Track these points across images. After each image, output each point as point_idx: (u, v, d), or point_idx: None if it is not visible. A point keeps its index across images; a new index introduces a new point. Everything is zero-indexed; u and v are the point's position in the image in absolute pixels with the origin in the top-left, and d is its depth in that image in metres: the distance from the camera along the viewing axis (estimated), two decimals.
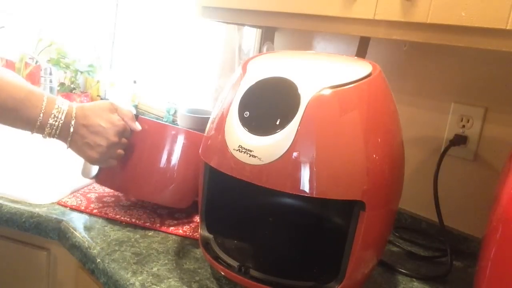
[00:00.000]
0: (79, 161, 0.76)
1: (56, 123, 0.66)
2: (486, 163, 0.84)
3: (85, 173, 0.78)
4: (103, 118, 0.69)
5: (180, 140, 0.77)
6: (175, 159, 0.77)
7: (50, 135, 0.67)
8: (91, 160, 0.71)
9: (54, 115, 0.66)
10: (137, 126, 0.74)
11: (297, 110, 0.50)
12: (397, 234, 0.89)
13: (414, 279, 0.73)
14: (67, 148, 0.70)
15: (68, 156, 0.78)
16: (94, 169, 0.78)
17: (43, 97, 0.66)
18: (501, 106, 0.81)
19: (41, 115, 0.65)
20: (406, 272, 0.74)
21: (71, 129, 0.68)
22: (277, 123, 0.51)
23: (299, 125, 0.50)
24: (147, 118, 0.77)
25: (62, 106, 0.67)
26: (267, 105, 0.53)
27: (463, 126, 0.86)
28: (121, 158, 0.74)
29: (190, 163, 0.78)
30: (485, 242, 0.54)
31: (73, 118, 0.68)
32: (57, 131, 0.67)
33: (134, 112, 0.75)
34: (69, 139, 0.69)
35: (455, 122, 0.87)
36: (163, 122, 0.73)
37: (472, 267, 0.80)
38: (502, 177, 0.58)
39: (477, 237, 0.85)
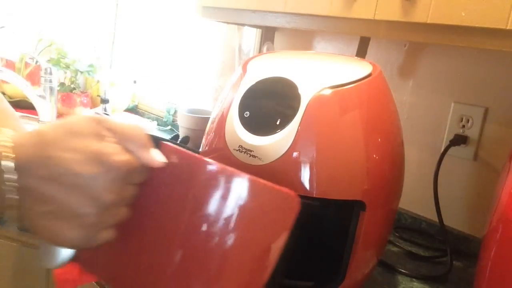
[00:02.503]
0: None
1: None
2: (486, 163, 0.84)
3: (47, 259, 0.43)
4: (81, 154, 0.33)
5: (244, 189, 0.38)
6: (231, 225, 0.38)
7: None
8: (67, 243, 0.35)
9: None
10: (157, 159, 0.37)
11: (297, 110, 0.50)
12: (397, 234, 0.89)
13: (414, 279, 0.73)
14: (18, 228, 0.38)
15: None
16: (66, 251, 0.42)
17: None
18: (501, 106, 0.81)
19: None
20: (406, 272, 0.74)
21: (13, 194, 0.32)
22: (277, 123, 0.51)
23: (299, 125, 0.50)
24: (172, 144, 0.39)
25: None
26: (267, 105, 0.53)
27: (463, 126, 0.86)
28: (125, 222, 0.37)
29: (258, 235, 0.39)
30: (485, 242, 0.54)
31: (13, 162, 0.32)
32: None
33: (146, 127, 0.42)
34: (11, 211, 0.33)
35: (455, 122, 0.87)
36: (196, 153, 0.39)
37: (472, 267, 0.80)
38: (502, 177, 0.58)
39: (477, 237, 0.85)
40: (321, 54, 0.71)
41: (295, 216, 0.39)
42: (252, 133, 0.52)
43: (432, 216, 0.89)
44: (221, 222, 0.38)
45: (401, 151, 0.60)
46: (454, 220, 0.87)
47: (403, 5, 0.63)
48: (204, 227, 0.38)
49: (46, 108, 1.28)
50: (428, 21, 0.61)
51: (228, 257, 0.38)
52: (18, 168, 0.32)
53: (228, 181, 0.38)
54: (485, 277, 0.52)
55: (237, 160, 0.52)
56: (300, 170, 0.50)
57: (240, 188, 0.38)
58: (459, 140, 0.85)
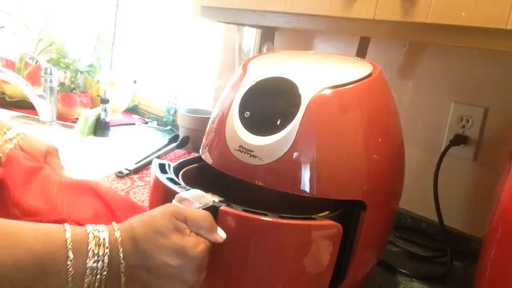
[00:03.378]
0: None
1: (99, 266, 0.39)
2: (486, 163, 0.84)
3: None
4: (170, 250, 0.42)
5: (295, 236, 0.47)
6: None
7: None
8: None
9: (93, 253, 0.39)
10: (221, 236, 0.45)
11: (298, 110, 0.50)
12: (397, 234, 0.89)
13: (414, 279, 0.73)
14: None
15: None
16: None
17: (65, 237, 0.39)
18: (501, 106, 0.81)
19: (69, 278, 0.38)
20: (406, 272, 0.74)
21: (122, 278, 0.41)
22: (278, 123, 0.51)
23: (299, 125, 0.50)
24: (231, 208, 0.46)
25: (100, 235, 0.41)
26: (268, 105, 0.53)
27: (463, 126, 0.86)
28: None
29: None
30: (485, 242, 0.54)
31: (122, 259, 0.41)
32: (102, 283, 0.40)
33: (209, 201, 0.47)
34: None
35: (455, 122, 0.87)
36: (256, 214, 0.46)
37: (472, 267, 0.80)
38: (502, 177, 0.58)
39: (477, 237, 0.85)
40: (321, 54, 0.71)
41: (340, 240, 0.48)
42: (252, 133, 0.52)
43: (432, 216, 0.89)
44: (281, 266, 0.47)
45: (401, 151, 0.60)
46: (454, 220, 0.87)
47: (403, 5, 0.63)
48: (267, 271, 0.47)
49: (46, 108, 1.28)
50: (428, 21, 0.61)
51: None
52: (124, 259, 0.41)
53: (283, 232, 0.46)
54: (485, 277, 0.52)
55: (238, 160, 0.52)
56: (300, 170, 0.50)
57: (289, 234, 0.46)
58: (459, 140, 0.85)
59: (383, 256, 0.77)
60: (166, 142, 1.22)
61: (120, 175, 0.98)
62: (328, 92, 0.51)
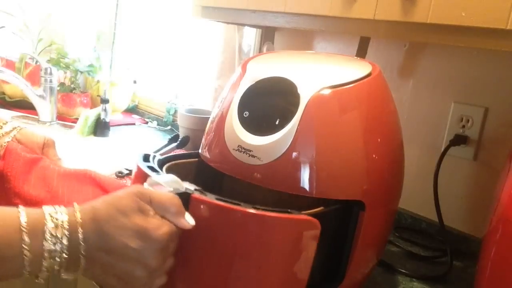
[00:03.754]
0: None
1: (58, 248, 0.38)
2: (486, 163, 0.84)
3: None
4: (131, 231, 0.40)
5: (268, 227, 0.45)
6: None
7: (51, 271, 0.39)
8: None
9: (51, 235, 0.38)
10: (189, 222, 0.44)
11: (297, 110, 0.50)
12: (397, 234, 0.89)
13: (414, 279, 0.73)
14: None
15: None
16: None
17: (19, 220, 0.38)
18: (501, 106, 0.81)
19: (27, 262, 0.37)
20: (406, 272, 0.74)
21: (82, 261, 0.40)
22: (277, 123, 0.51)
23: (298, 125, 0.50)
24: (204, 196, 0.45)
25: (59, 216, 0.39)
26: (267, 105, 0.53)
27: (463, 126, 0.86)
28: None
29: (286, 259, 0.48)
30: (485, 242, 0.54)
31: (81, 240, 0.39)
32: (63, 265, 0.39)
33: (181, 187, 0.46)
34: (80, 272, 0.41)
35: (455, 122, 0.87)
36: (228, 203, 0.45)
37: (472, 267, 0.80)
38: (502, 177, 0.58)
39: (477, 237, 0.85)
40: (320, 54, 0.71)
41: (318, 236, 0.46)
42: (251, 133, 0.52)
43: (432, 216, 0.89)
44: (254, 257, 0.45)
45: (401, 151, 0.60)
46: (454, 220, 0.87)
47: (403, 5, 0.63)
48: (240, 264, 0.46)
49: (46, 108, 1.28)
50: (428, 21, 0.61)
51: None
52: (83, 241, 0.39)
53: (256, 224, 0.45)
54: (486, 277, 0.52)
55: (237, 160, 0.52)
56: (299, 170, 0.50)
57: (263, 227, 0.45)
58: (459, 140, 0.85)
59: (383, 256, 0.77)
60: (166, 142, 1.22)
61: (120, 175, 0.98)
62: (327, 91, 0.51)
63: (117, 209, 0.41)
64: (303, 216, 0.46)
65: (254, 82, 0.55)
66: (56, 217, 0.39)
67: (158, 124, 1.51)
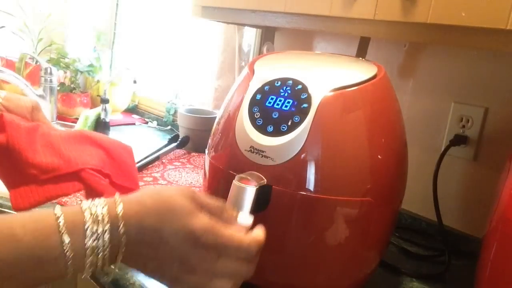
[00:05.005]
0: None
1: (100, 245, 0.37)
2: (486, 163, 0.84)
3: None
4: (183, 234, 0.39)
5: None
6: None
7: (97, 266, 0.38)
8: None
9: (91, 232, 0.37)
10: (245, 222, 0.44)
11: (309, 111, 0.51)
12: (397, 234, 0.89)
13: (414, 279, 0.73)
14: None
15: None
16: None
17: (56, 221, 0.37)
18: (501, 106, 0.81)
19: (69, 262, 0.36)
20: (406, 272, 0.74)
21: (119, 256, 0.39)
22: (289, 123, 0.51)
23: (310, 126, 0.50)
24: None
25: (98, 210, 0.38)
26: (278, 105, 0.53)
27: (463, 126, 0.86)
28: None
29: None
30: (485, 242, 0.54)
31: (123, 243, 0.38)
32: (106, 260, 0.38)
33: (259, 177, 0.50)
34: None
35: (455, 122, 0.87)
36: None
37: (471, 266, 0.80)
38: (502, 177, 0.58)
39: (477, 237, 0.85)
40: (325, 54, 0.71)
41: None
42: (263, 134, 0.52)
43: (432, 216, 0.88)
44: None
45: (406, 151, 0.61)
46: (454, 220, 0.87)
47: (403, 5, 0.63)
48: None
49: (46, 108, 1.28)
50: (428, 21, 0.61)
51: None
52: (126, 234, 0.38)
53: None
54: (485, 277, 0.52)
55: (249, 161, 0.52)
56: (312, 170, 0.50)
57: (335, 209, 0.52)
58: (459, 140, 0.85)
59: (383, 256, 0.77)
60: (166, 142, 1.22)
61: None
62: (338, 93, 0.52)
63: (167, 208, 0.39)
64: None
65: (264, 83, 0.55)
66: (96, 211, 0.38)
67: (158, 124, 1.51)
